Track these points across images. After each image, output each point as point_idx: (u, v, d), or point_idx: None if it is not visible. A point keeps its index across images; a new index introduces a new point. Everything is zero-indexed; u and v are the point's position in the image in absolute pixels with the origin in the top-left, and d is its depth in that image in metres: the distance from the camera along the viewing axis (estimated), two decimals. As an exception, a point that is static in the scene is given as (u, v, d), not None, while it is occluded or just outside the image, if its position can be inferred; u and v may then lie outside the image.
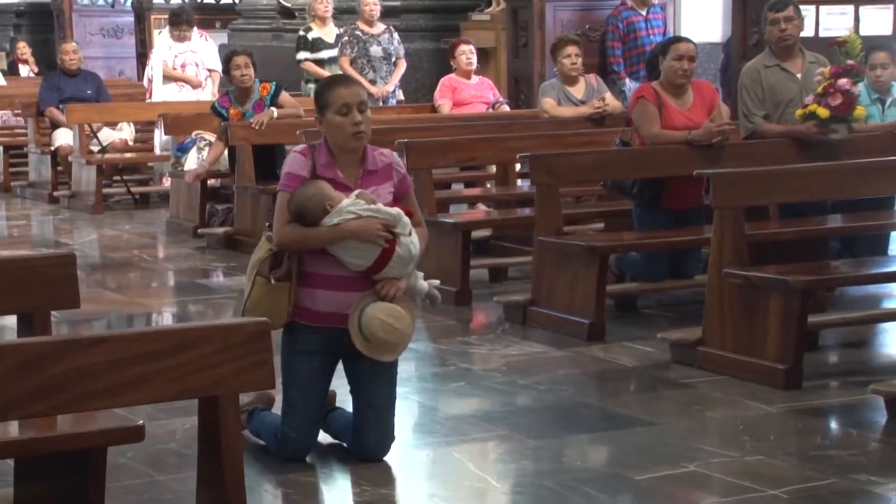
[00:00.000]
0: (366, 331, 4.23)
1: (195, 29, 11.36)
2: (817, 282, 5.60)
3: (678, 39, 7.03)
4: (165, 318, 7.07)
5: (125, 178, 11.31)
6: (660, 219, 6.73)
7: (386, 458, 4.41)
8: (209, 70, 11.29)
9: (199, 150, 9.51)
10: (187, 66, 11.25)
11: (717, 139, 6.63)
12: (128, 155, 11.43)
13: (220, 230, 9.08)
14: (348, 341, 4.27)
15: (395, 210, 4.29)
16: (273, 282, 4.26)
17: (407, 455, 4.53)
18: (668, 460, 4.39)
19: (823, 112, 6.62)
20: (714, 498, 4.09)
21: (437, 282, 4.49)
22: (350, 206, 4.23)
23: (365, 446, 4.39)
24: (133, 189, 11.24)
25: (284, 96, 9.13)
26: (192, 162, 9.50)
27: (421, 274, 4.42)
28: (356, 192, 4.29)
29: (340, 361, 4.46)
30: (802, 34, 7.05)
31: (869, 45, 7.18)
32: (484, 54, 11.43)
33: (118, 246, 9.13)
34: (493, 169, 8.90)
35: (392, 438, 4.42)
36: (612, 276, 6.68)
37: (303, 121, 8.96)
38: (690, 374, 5.51)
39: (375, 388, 4.36)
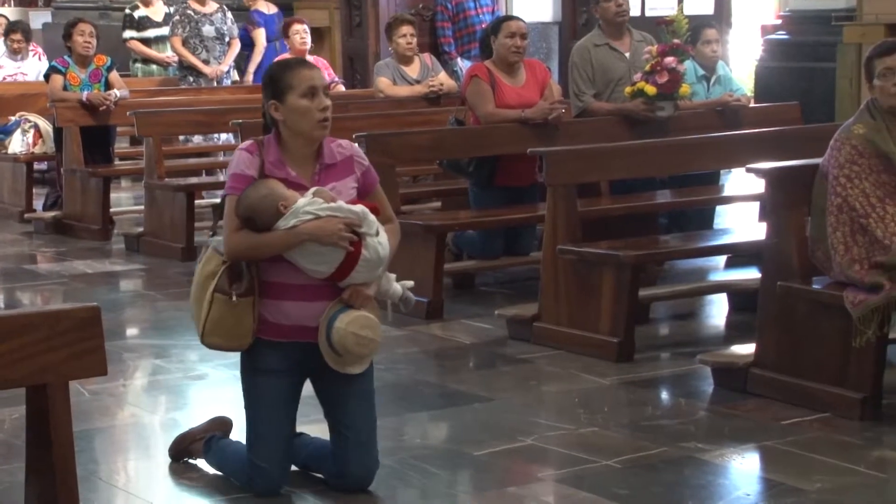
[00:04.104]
0: (338, 346, 3.80)
1: (31, 45, 10.88)
2: (647, 256, 5.75)
3: (509, 18, 7.13)
4: (-9, 306, 6.85)
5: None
6: (495, 197, 6.81)
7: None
8: None
9: (24, 132, 9.24)
10: None
11: (552, 116, 6.74)
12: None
13: (49, 215, 8.85)
14: (317, 356, 3.86)
15: (359, 207, 3.82)
16: (235, 298, 3.80)
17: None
18: (506, 435, 4.45)
19: (650, 89, 6.80)
20: (550, 470, 4.17)
21: (410, 283, 4.08)
22: (307, 205, 3.77)
23: (348, 474, 3.92)
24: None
25: (114, 75, 8.95)
26: (16, 144, 9.22)
27: (393, 276, 3.99)
28: (313, 189, 3.83)
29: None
30: (630, 14, 7.21)
31: (696, 23, 7.39)
32: (318, 34, 11.37)
33: (-61, 233, 8.80)
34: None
35: (377, 464, 3.97)
36: (450, 255, 6.74)
37: (132, 102, 8.83)
38: (527, 349, 5.59)
39: (353, 406, 3.93)
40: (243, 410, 3.99)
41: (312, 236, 3.76)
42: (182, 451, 4.22)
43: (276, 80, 3.92)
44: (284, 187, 3.82)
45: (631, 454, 4.25)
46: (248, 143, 3.93)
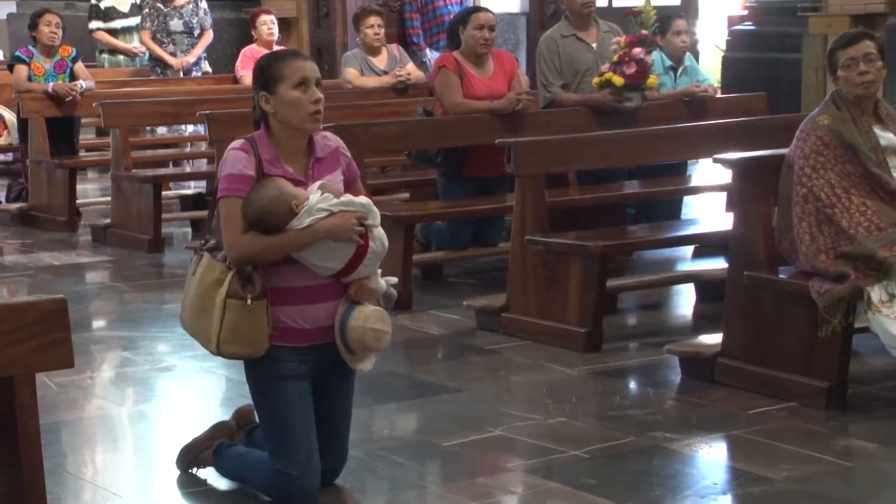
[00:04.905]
0: (355, 345, 3.73)
1: None
2: (615, 246, 5.77)
3: (477, 9, 7.12)
4: (-43, 299, 6.80)
5: None
6: (464, 187, 6.81)
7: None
8: None
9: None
10: None
11: (520, 107, 6.74)
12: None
13: (14, 206, 8.79)
14: (329, 354, 3.77)
15: (365, 200, 3.74)
16: (251, 301, 3.63)
17: (214, 430, 4.45)
18: (474, 425, 4.46)
19: (618, 80, 6.82)
20: (519, 460, 4.18)
21: (394, 279, 3.99)
22: (319, 202, 3.66)
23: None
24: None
25: (79, 66, 8.90)
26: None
27: (379, 271, 3.89)
28: (318, 184, 3.72)
29: None
30: (597, 4, 7.23)
31: (663, 14, 7.41)
32: (285, 24, 11.33)
33: None
34: (297, 140, 8.84)
35: (346, 459, 3.92)
36: (418, 246, 6.74)
37: (98, 93, 8.79)
38: (496, 340, 5.60)
39: (339, 400, 3.87)
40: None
41: (329, 234, 3.66)
42: (190, 461, 4.04)
43: (265, 70, 3.75)
44: (292, 186, 3.70)
45: (599, 444, 4.26)
46: (239, 142, 3.74)
